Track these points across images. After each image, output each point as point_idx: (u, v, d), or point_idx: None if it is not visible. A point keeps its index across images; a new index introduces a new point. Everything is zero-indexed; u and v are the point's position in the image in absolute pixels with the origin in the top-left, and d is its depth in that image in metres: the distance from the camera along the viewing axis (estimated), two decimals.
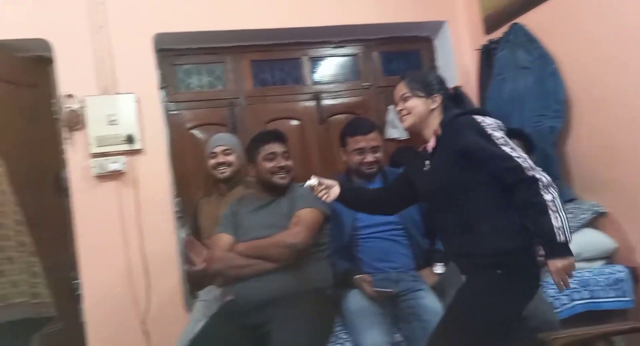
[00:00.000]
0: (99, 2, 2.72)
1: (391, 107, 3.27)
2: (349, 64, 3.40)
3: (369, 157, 2.34)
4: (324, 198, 1.92)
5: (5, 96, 2.56)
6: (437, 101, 1.82)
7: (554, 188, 1.57)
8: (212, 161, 2.45)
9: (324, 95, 3.28)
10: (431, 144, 1.81)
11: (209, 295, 2.39)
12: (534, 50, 2.78)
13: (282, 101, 3.22)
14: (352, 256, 2.29)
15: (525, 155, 1.61)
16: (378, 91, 3.36)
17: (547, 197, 1.54)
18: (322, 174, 3.09)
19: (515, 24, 2.87)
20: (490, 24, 3.12)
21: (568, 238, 1.53)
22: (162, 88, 2.90)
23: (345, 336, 2.09)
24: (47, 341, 2.46)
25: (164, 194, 2.70)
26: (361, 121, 2.61)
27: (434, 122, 1.81)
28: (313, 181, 1.92)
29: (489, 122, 1.66)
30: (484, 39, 3.10)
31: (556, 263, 1.54)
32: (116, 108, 2.68)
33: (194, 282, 2.56)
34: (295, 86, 3.29)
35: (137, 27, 2.77)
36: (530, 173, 1.56)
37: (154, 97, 2.80)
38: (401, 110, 1.86)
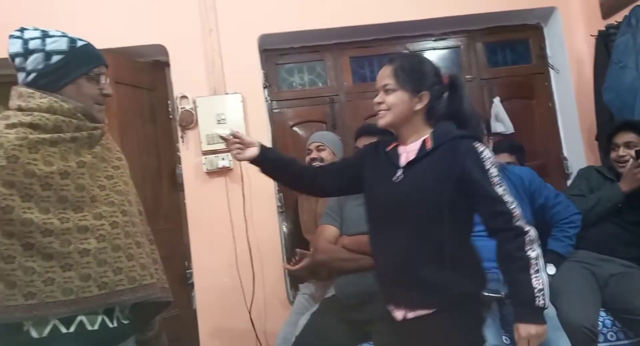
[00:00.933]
0: (209, 7, 2.88)
1: (496, 99, 3.15)
2: (451, 57, 3.31)
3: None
4: (235, 156, 1.66)
5: (129, 98, 2.79)
6: (424, 100, 1.51)
7: (538, 244, 1.42)
8: (307, 157, 2.53)
9: None
10: (411, 149, 1.52)
11: (310, 289, 2.46)
12: None
13: None
14: None
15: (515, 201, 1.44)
16: (482, 83, 3.24)
17: (532, 254, 1.39)
18: None
19: (638, 6, 2.62)
20: (609, 7, 2.88)
21: (546, 304, 1.38)
22: (265, 87, 3.01)
23: None
24: (164, 325, 2.67)
25: (267, 190, 2.81)
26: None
27: (417, 125, 1.53)
28: (225, 131, 1.67)
29: (488, 156, 1.46)
30: (601, 24, 2.87)
31: (529, 329, 1.39)
32: (224, 107, 2.82)
33: (295, 276, 2.64)
34: None
35: (244, 29, 2.90)
36: (519, 223, 1.42)
37: (259, 96, 2.92)
38: (380, 103, 1.54)
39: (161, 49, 2.88)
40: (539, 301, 1.37)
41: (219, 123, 2.81)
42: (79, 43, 1.37)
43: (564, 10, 3.11)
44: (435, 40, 3.27)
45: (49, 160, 1.26)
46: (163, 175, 2.98)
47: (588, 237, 2.29)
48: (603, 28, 2.83)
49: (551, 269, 2.19)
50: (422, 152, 1.49)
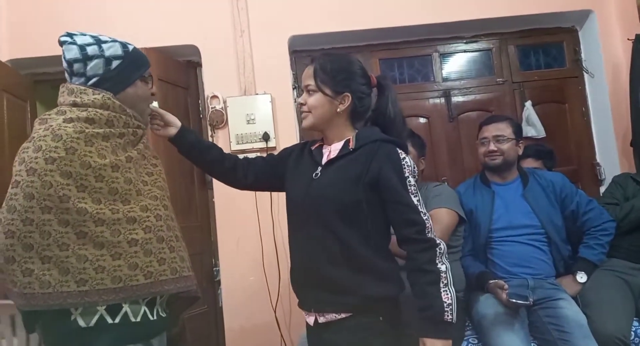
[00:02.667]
0: (241, 8, 2.92)
1: (528, 103, 3.10)
2: (482, 59, 3.27)
3: (491, 146, 2.23)
4: (154, 131, 1.64)
5: (168, 95, 2.84)
6: (346, 101, 1.49)
7: (447, 258, 1.40)
8: None
9: (455, 91, 3.20)
10: (334, 149, 1.51)
11: None
12: None
13: (410, 99, 3.20)
14: (486, 259, 2.20)
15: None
16: (513, 86, 3.20)
17: (442, 267, 1.37)
18: (451, 174, 3.09)
19: None
20: None
21: (454, 319, 1.35)
22: (295, 88, 3.03)
23: (475, 341, 2.04)
24: (193, 321, 2.71)
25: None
26: (495, 115, 2.53)
27: (341, 126, 1.51)
28: (154, 104, 1.69)
29: (408, 164, 1.43)
30: (638, 28, 2.80)
31: (435, 344, 1.35)
32: (254, 108, 2.86)
33: None
34: (424, 83, 3.24)
35: (275, 31, 2.93)
36: (431, 235, 1.39)
37: (288, 97, 2.94)
38: (302, 104, 1.52)
39: (194, 50, 2.93)
40: (447, 315, 1.34)
41: (248, 123, 2.84)
42: (130, 47, 1.44)
43: (600, 13, 3.05)
44: (466, 43, 3.24)
45: (102, 153, 1.32)
46: (194, 174, 3.02)
47: (621, 245, 2.24)
48: None
49: (582, 278, 2.15)
50: (343, 152, 1.48)
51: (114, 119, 1.36)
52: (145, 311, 1.34)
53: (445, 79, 3.24)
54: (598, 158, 3.16)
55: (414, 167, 1.45)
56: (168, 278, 1.34)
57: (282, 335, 2.65)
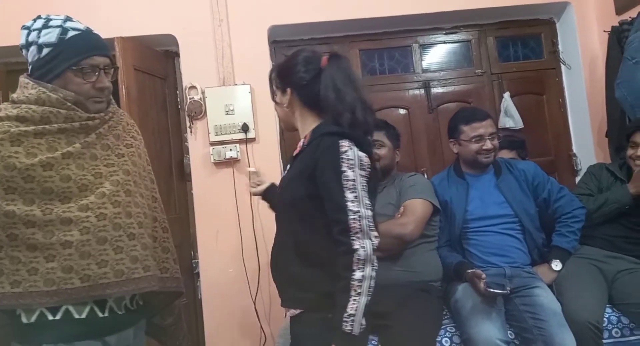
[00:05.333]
0: None
1: (506, 94, 3.13)
2: (462, 51, 3.29)
3: (488, 144, 2.23)
4: (251, 190, 1.93)
5: (144, 86, 2.80)
6: (287, 95, 1.50)
7: (371, 264, 1.30)
8: None
9: (434, 83, 3.21)
10: (299, 145, 1.51)
11: None
12: None
13: (390, 90, 3.20)
14: (462, 249, 2.23)
15: (367, 212, 1.33)
16: (492, 78, 3.22)
17: (356, 275, 1.28)
18: (429, 164, 3.11)
19: None
20: (622, 3, 2.85)
21: (354, 331, 1.27)
22: None
23: (453, 330, 2.06)
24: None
25: (275, 181, 2.80)
26: (474, 108, 2.53)
27: (305, 121, 1.50)
28: (253, 169, 2.03)
29: (348, 156, 1.34)
30: (614, 20, 2.83)
31: None
32: (233, 98, 2.83)
33: None
34: (405, 74, 3.25)
35: (254, 21, 2.89)
36: (353, 238, 1.30)
37: (267, 88, 2.88)
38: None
39: (171, 39, 2.88)
40: (346, 326, 1.28)
41: (227, 114, 2.81)
42: (70, 34, 1.33)
43: (577, 5, 3.08)
44: (446, 34, 3.25)
45: (32, 152, 1.26)
46: (172, 165, 2.99)
47: (595, 234, 2.28)
48: (616, 24, 2.79)
49: (557, 266, 2.18)
50: (302, 148, 1.49)
51: (50, 115, 1.30)
52: (92, 308, 1.30)
53: (425, 70, 3.25)
54: (574, 149, 3.20)
55: (360, 160, 1.36)
56: (111, 281, 1.28)
57: (261, 327, 2.65)
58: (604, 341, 1.99)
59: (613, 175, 2.36)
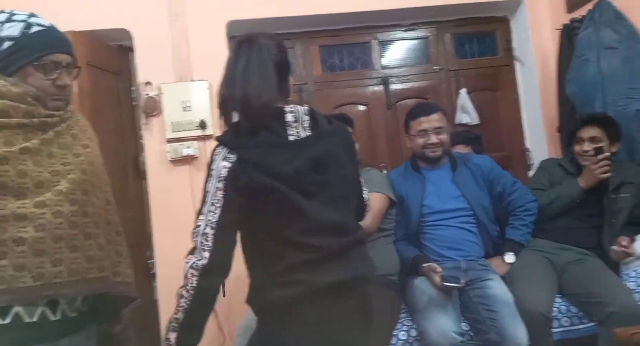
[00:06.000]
0: None
1: (463, 91, 3.18)
2: (420, 47, 3.32)
3: (432, 138, 2.27)
4: None
5: (97, 81, 2.72)
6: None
7: (185, 282, 1.27)
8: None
9: (393, 79, 3.23)
10: None
11: None
12: (621, 29, 2.60)
13: (350, 86, 3.21)
14: (419, 243, 2.25)
15: (206, 229, 1.27)
16: (449, 74, 3.27)
17: (186, 286, 1.27)
18: (388, 159, 3.13)
19: (601, 1, 2.68)
20: (573, 1, 2.95)
21: (171, 341, 1.27)
22: None
23: (410, 324, 2.08)
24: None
25: None
26: (424, 104, 2.58)
27: None
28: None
29: (212, 167, 1.29)
30: (566, 18, 2.92)
31: None
32: (190, 95, 2.78)
33: None
34: (364, 70, 3.26)
35: (212, 15, 2.85)
36: (192, 246, 1.29)
37: None
38: None
39: (125, 34, 2.81)
40: (166, 333, 1.28)
41: (184, 110, 2.77)
42: (34, 29, 1.30)
43: (530, 3, 3.16)
44: (404, 31, 3.28)
45: None
46: (127, 163, 2.92)
47: (547, 227, 2.35)
48: (568, 22, 2.88)
49: (510, 258, 2.24)
50: None
51: (10, 109, 1.25)
52: (43, 311, 1.25)
53: (384, 67, 3.27)
54: (528, 144, 3.29)
55: (219, 171, 1.28)
56: (65, 281, 1.23)
57: (219, 326, 2.62)
58: (554, 330, 2.06)
59: (564, 170, 2.43)
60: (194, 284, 1.26)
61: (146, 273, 2.83)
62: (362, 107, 3.21)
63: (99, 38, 2.79)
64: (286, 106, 1.33)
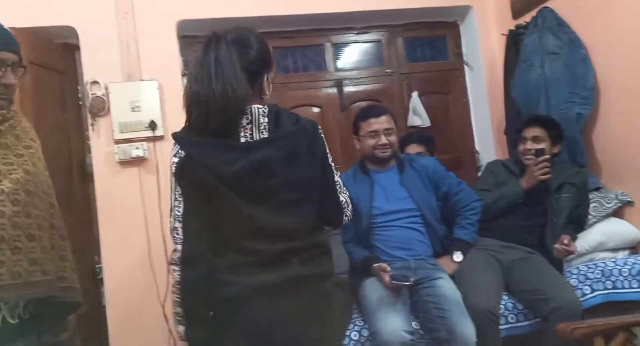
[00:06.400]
0: None
1: (414, 94, 3.23)
2: (373, 51, 3.36)
3: (383, 139, 2.30)
4: None
5: (41, 80, 2.61)
6: None
7: (186, 264, 1.30)
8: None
9: (346, 82, 3.26)
10: None
11: None
12: (563, 35, 2.71)
13: (304, 88, 3.21)
14: (369, 244, 2.27)
15: (175, 223, 1.32)
16: (401, 77, 3.32)
17: (174, 277, 1.33)
18: (342, 161, 3.15)
19: (544, 8, 2.79)
20: (518, 8, 3.04)
21: (182, 334, 1.34)
22: (184, 75, 2.92)
23: (362, 324, 2.09)
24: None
25: None
26: (373, 105, 2.63)
27: None
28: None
29: (170, 163, 1.34)
30: (512, 24, 3.02)
31: None
32: (139, 95, 2.71)
33: None
34: (318, 72, 3.27)
35: (162, 14, 2.79)
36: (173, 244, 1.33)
37: (177, 84, 2.81)
38: None
39: (71, 31, 2.71)
40: (175, 326, 1.38)
41: (133, 111, 2.69)
42: None
43: (479, 9, 3.25)
44: (357, 34, 3.31)
45: None
46: (73, 165, 2.82)
47: (493, 226, 2.41)
48: (513, 28, 2.98)
49: (459, 257, 2.29)
50: None
51: None
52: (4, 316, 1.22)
53: (337, 69, 3.29)
54: (477, 146, 3.38)
55: (171, 167, 1.33)
56: (6, 284, 1.20)
57: (170, 331, 2.56)
58: (501, 327, 2.11)
59: (508, 170, 2.50)
60: (177, 278, 1.31)
61: (93, 279, 2.74)
62: (316, 110, 3.22)
63: (42, 35, 2.68)
64: (249, 107, 1.31)
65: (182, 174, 1.30)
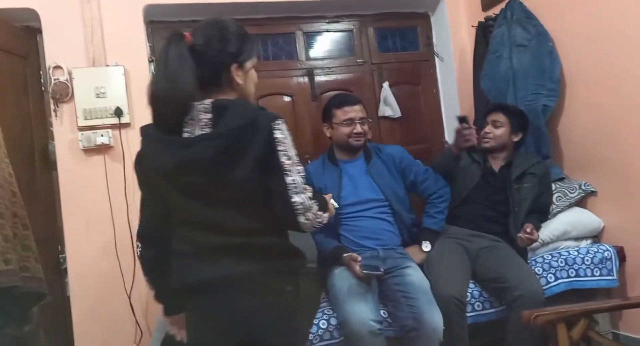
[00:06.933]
0: None
1: (385, 84, 3.24)
2: (344, 40, 3.34)
3: (358, 128, 2.30)
4: None
5: (1, 64, 2.50)
6: None
7: (142, 242, 1.46)
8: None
9: (318, 71, 3.23)
10: None
11: None
12: (531, 28, 2.75)
13: (274, 77, 3.18)
14: (338, 234, 2.28)
15: (141, 197, 1.48)
16: (373, 67, 3.32)
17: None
18: (314, 151, 3.13)
19: (513, 0, 2.81)
20: (488, 0, 3.06)
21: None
22: (151, 61, 2.85)
23: (330, 312, 2.10)
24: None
25: None
26: (347, 94, 2.64)
27: None
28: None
29: None
30: (482, 16, 3.05)
31: None
32: (104, 80, 2.63)
33: None
34: (289, 61, 3.24)
35: None
36: None
37: (144, 70, 2.74)
38: None
39: (32, 14, 2.61)
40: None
41: (98, 97, 2.62)
42: None
43: (449, 0, 3.26)
44: (328, 23, 3.29)
45: None
46: (35, 152, 2.72)
47: (460, 215, 2.44)
48: (483, 20, 3.00)
49: (427, 247, 2.32)
50: None
51: None
52: None
53: (309, 58, 3.26)
54: (447, 136, 3.41)
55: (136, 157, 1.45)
56: None
57: (137, 321, 2.52)
58: (468, 314, 2.15)
59: (471, 157, 2.54)
60: (138, 254, 1.47)
61: (57, 269, 2.67)
62: (287, 98, 3.19)
63: (3, 18, 2.58)
64: (192, 103, 1.31)
65: (138, 166, 1.44)
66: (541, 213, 2.41)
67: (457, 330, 2.04)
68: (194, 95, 1.30)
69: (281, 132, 1.30)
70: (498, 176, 2.41)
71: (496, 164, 2.47)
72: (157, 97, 1.30)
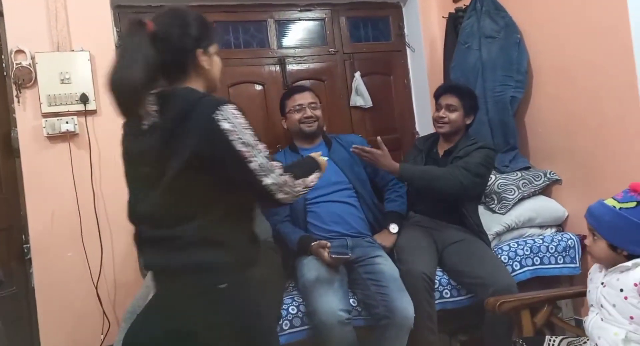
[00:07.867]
0: None
1: (357, 74, 3.24)
2: (316, 29, 3.32)
3: (308, 112, 2.38)
4: None
5: None
6: None
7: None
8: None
9: (289, 60, 3.21)
10: None
11: None
12: (500, 20, 2.78)
13: (246, 65, 3.14)
14: (305, 222, 2.29)
15: None
16: (344, 57, 3.31)
17: None
18: (285, 140, 3.12)
19: None
20: None
21: None
22: (118, 46, 2.78)
23: (301, 300, 2.10)
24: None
25: (119, 157, 2.61)
26: (296, 85, 2.81)
27: None
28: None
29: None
30: (452, 7, 3.07)
31: None
32: (69, 66, 2.55)
33: None
34: (260, 49, 3.21)
35: None
36: None
37: (110, 56, 2.64)
38: None
39: None
40: None
41: (62, 83, 2.54)
42: None
43: None
44: (300, 11, 3.26)
45: None
46: None
47: (425, 203, 2.47)
48: (453, 11, 3.03)
49: (395, 228, 2.36)
50: None
51: None
52: None
53: (280, 47, 3.23)
54: (417, 127, 3.44)
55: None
56: None
57: (104, 312, 2.48)
58: (436, 301, 2.18)
59: (415, 146, 2.60)
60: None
61: (21, 259, 2.59)
62: (258, 87, 3.16)
63: None
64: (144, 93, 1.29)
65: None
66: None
67: (426, 307, 2.06)
68: (144, 85, 1.26)
69: (228, 122, 1.23)
70: (440, 162, 2.40)
71: (442, 149, 2.47)
72: (110, 87, 1.29)
